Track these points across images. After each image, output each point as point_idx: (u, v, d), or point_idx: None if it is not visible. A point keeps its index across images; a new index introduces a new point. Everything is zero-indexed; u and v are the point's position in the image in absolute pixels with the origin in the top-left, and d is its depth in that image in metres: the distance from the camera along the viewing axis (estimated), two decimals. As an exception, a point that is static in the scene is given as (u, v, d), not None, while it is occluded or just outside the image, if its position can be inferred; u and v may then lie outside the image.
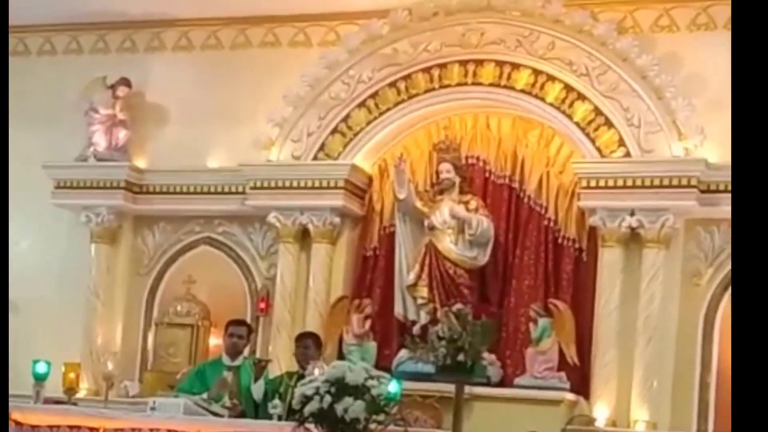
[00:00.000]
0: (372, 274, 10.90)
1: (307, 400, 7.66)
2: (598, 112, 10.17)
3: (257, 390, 9.14)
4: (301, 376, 8.66)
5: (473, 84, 10.58)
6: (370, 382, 7.69)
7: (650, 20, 10.46)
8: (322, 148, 10.93)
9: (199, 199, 11.37)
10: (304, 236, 10.94)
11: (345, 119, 10.90)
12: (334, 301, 10.73)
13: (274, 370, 9.86)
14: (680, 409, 9.91)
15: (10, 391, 8.47)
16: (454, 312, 9.85)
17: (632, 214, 9.97)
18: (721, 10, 10.07)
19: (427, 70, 10.70)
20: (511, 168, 10.64)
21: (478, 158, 10.76)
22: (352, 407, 7.55)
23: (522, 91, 10.41)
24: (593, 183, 10.07)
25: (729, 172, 8.73)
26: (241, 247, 11.40)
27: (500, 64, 10.48)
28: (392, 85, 10.80)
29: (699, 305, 10.04)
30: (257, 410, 9.07)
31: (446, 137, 10.79)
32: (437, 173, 10.67)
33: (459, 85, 10.63)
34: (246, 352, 9.90)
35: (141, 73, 11.82)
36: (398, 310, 10.59)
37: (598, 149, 10.14)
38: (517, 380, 10.12)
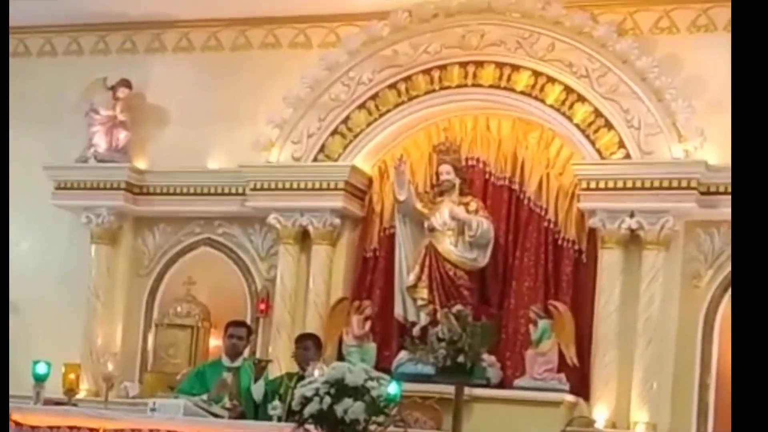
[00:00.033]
0: (372, 275, 10.90)
1: (306, 401, 7.66)
2: (598, 113, 10.18)
3: (257, 390, 9.14)
4: (301, 378, 8.66)
5: (473, 85, 10.59)
6: (369, 384, 7.69)
7: (650, 22, 10.47)
8: (322, 149, 10.93)
9: (200, 200, 11.38)
10: (304, 237, 10.95)
11: (345, 121, 10.91)
12: (334, 303, 10.74)
13: (274, 372, 9.86)
14: (680, 410, 9.92)
15: (10, 392, 8.46)
16: (453, 313, 9.86)
17: (632, 215, 9.98)
18: (721, 11, 10.08)
19: (427, 71, 10.71)
20: (511, 169, 10.65)
21: (478, 160, 10.76)
22: (352, 408, 7.56)
23: (522, 92, 10.42)
24: (593, 185, 10.07)
25: (729, 174, 8.74)
26: (241, 248, 11.41)
27: (500, 65, 10.49)
28: (392, 86, 10.81)
29: (699, 307, 10.04)
30: (257, 411, 9.07)
31: (446, 139, 10.80)
32: (437, 175, 10.67)
33: (459, 86, 10.64)
34: (246, 353, 9.90)
35: (141, 75, 11.83)
36: (398, 311, 10.60)
37: (598, 151, 10.14)
38: (517, 382, 10.12)
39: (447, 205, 10.50)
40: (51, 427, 8.47)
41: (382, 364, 10.20)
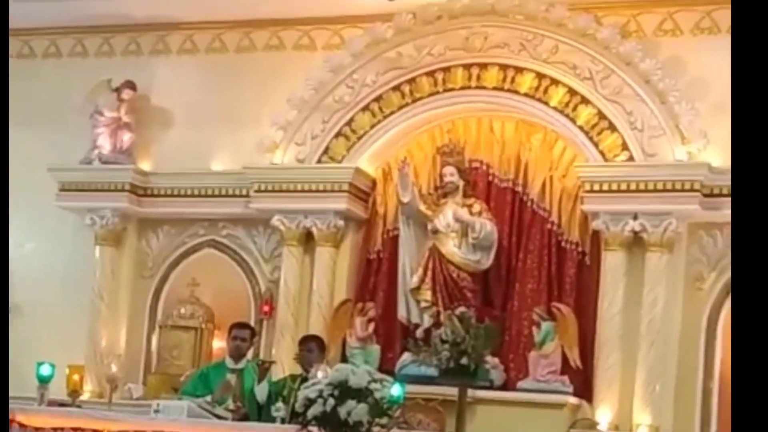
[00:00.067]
0: (375, 277, 10.91)
1: (310, 403, 7.69)
2: (601, 115, 10.18)
3: (261, 391, 9.15)
4: (305, 379, 8.68)
5: (477, 88, 10.60)
6: (373, 386, 7.73)
7: (654, 24, 10.47)
8: (326, 151, 10.94)
9: (204, 202, 11.38)
10: (307, 239, 10.95)
11: (349, 122, 10.92)
12: (338, 305, 10.74)
13: (277, 373, 9.87)
14: (683, 413, 9.91)
15: (14, 393, 8.48)
16: (457, 315, 9.88)
17: (635, 218, 9.98)
18: (725, 14, 10.06)
19: (431, 73, 10.71)
20: (515, 171, 10.65)
21: (481, 162, 10.77)
22: (356, 410, 7.58)
23: (525, 94, 10.42)
24: (596, 187, 10.07)
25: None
26: (245, 250, 11.42)
27: (504, 67, 10.49)
28: (396, 88, 10.81)
29: (702, 309, 10.04)
30: (260, 413, 9.08)
31: (450, 141, 10.80)
32: (441, 177, 10.68)
33: (463, 88, 10.64)
34: (249, 355, 9.92)
35: (146, 76, 11.84)
36: (401, 313, 10.60)
37: (602, 153, 10.15)
38: (520, 384, 10.13)
39: (450, 207, 10.51)
40: (55, 429, 8.49)
41: (386, 366, 10.20)
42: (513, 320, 10.42)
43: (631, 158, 10.05)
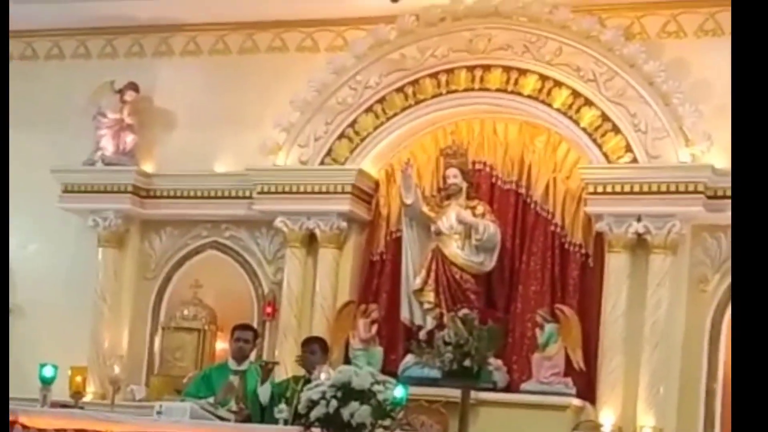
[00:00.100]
0: (378, 279, 10.91)
1: (313, 404, 7.67)
2: (605, 117, 10.18)
3: (264, 392, 9.14)
4: (308, 381, 8.67)
5: (480, 89, 10.60)
6: (376, 387, 7.71)
7: (657, 26, 10.47)
8: (329, 153, 10.94)
9: (206, 203, 11.38)
10: (310, 241, 10.95)
11: (352, 124, 10.92)
12: (341, 306, 10.73)
13: (280, 375, 9.86)
14: (686, 415, 9.91)
15: (17, 395, 8.47)
16: (460, 317, 9.86)
17: (639, 219, 9.98)
18: (728, 16, 10.02)
19: (434, 75, 10.71)
20: (518, 173, 10.65)
21: (484, 164, 10.77)
22: (359, 412, 7.57)
23: (529, 96, 10.42)
24: (600, 189, 10.07)
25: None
26: (247, 251, 11.42)
27: (507, 69, 10.49)
28: (399, 90, 10.81)
29: (706, 311, 10.04)
30: (263, 414, 9.07)
31: (453, 142, 10.80)
32: (444, 178, 10.68)
33: (466, 90, 10.64)
34: (252, 356, 9.91)
35: (149, 78, 11.85)
36: (405, 315, 10.60)
37: (605, 155, 10.14)
38: (524, 385, 10.12)
39: (454, 209, 10.50)
40: (57, 430, 8.46)
41: (389, 368, 10.19)
42: (516, 322, 10.42)
43: (634, 160, 10.04)
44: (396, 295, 10.69)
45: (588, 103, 10.23)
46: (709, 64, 10.15)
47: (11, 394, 8.11)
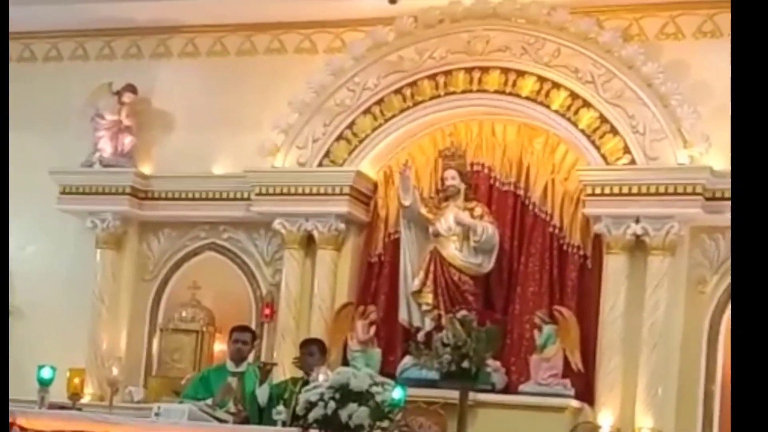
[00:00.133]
0: (377, 280, 10.91)
1: (311, 406, 7.68)
2: (603, 119, 10.18)
3: (262, 393, 9.13)
4: (306, 382, 8.67)
5: (478, 91, 10.60)
6: (374, 389, 7.71)
7: (656, 28, 10.48)
8: (327, 154, 10.94)
9: (205, 205, 11.38)
10: (309, 242, 10.95)
11: (350, 126, 10.92)
12: (339, 308, 10.73)
13: (278, 376, 9.86)
14: (685, 416, 9.91)
15: (15, 396, 8.47)
16: (458, 318, 9.88)
17: (637, 221, 9.98)
18: (727, 17, 10.02)
19: (432, 77, 10.71)
20: (516, 175, 10.65)
21: (483, 165, 10.77)
22: (357, 413, 7.57)
23: (527, 98, 10.42)
24: (598, 190, 10.07)
25: (735, 180, 8.73)
26: (246, 253, 11.42)
27: (505, 71, 10.49)
28: (398, 91, 10.81)
29: (704, 313, 10.04)
30: (261, 416, 9.07)
31: (451, 144, 10.81)
32: (442, 180, 10.68)
33: (464, 92, 10.64)
34: (250, 358, 9.91)
35: (147, 80, 11.85)
36: (403, 316, 10.60)
37: (604, 156, 10.15)
38: (522, 387, 10.11)
39: (452, 211, 10.50)
40: (55, 432, 8.48)
41: (387, 369, 10.19)
42: (514, 323, 10.42)
43: (632, 162, 10.05)
44: (394, 296, 10.69)
45: (586, 104, 10.24)
46: (708, 65, 10.16)
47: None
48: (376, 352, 10.57)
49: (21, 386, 9.02)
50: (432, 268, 10.43)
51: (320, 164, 10.94)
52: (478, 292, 10.41)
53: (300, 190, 10.89)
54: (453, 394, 9.73)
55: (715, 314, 10.00)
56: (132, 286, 11.72)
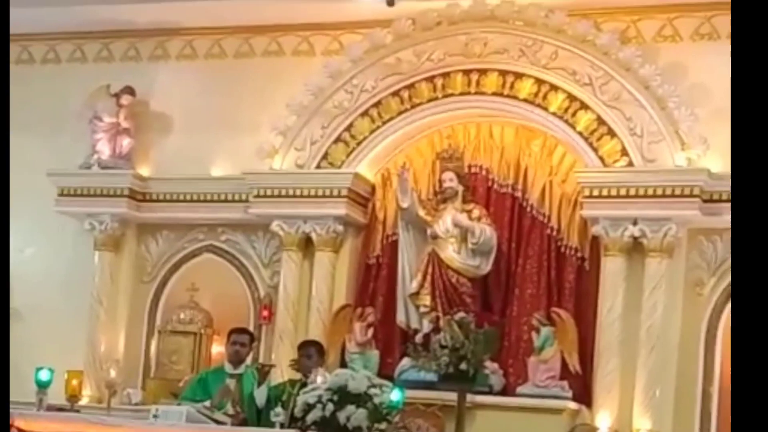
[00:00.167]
0: (375, 282, 10.91)
1: (309, 408, 7.69)
2: (600, 121, 10.19)
3: (260, 395, 9.13)
4: (304, 384, 8.68)
5: (476, 93, 10.60)
6: (372, 391, 7.73)
7: (653, 30, 10.49)
8: (325, 156, 10.95)
9: (203, 207, 11.39)
10: (307, 244, 10.95)
11: (348, 128, 10.92)
12: (337, 310, 10.74)
13: (276, 378, 9.87)
14: (682, 418, 9.92)
15: (13, 398, 8.48)
16: (456, 320, 9.89)
17: (635, 223, 9.99)
18: (725, 20, 10.07)
19: (430, 79, 10.72)
20: (514, 177, 10.66)
21: (481, 167, 10.78)
22: (355, 415, 7.59)
23: (525, 100, 10.43)
24: (596, 192, 10.08)
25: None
26: (244, 255, 11.43)
27: (503, 73, 10.50)
28: (395, 94, 10.82)
29: (701, 315, 10.05)
30: (259, 418, 9.07)
31: (449, 146, 10.81)
32: (440, 182, 10.69)
33: (462, 94, 10.64)
34: (249, 360, 9.91)
35: (145, 82, 11.85)
36: (401, 318, 10.60)
37: (601, 158, 10.15)
38: (520, 389, 10.12)
39: (450, 213, 10.51)
40: (53, 434, 8.49)
41: (385, 371, 10.19)
42: (512, 325, 10.43)
43: (630, 164, 10.05)
44: (392, 298, 10.70)
45: (584, 106, 10.24)
46: (705, 68, 10.17)
47: (7, 398, 8.13)
48: (374, 354, 10.58)
49: (19, 388, 9.04)
50: (430, 270, 10.44)
51: (318, 166, 10.95)
52: (476, 294, 10.42)
53: (298, 192, 10.89)
54: (451, 396, 9.73)
55: (712, 316, 10.01)
56: (130, 288, 11.72)
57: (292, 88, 11.11)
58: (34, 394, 8.91)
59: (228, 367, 9.58)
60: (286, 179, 10.96)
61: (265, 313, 11.14)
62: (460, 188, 10.59)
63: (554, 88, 10.32)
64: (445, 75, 10.67)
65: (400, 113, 10.82)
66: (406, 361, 10.35)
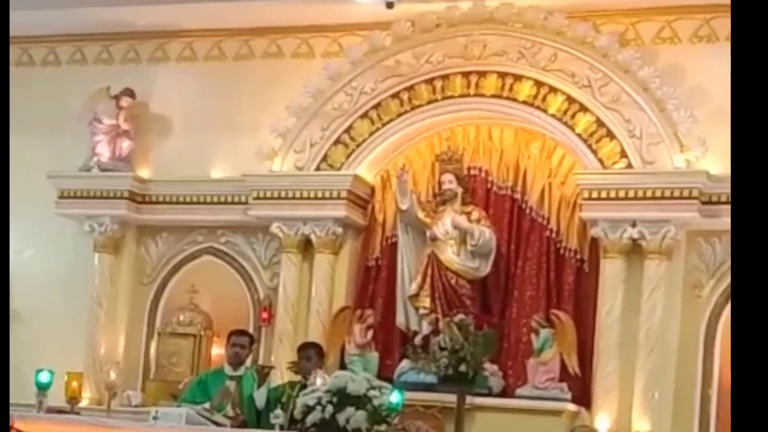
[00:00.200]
0: (374, 284, 10.92)
1: (309, 410, 7.70)
2: (600, 123, 10.20)
3: (260, 396, 9.14)
4: (304, 386, 8.69)
5: (475, 95, 10.62)
6: (372, 393, 7.74)
7: (652, 32, 10.50)
8: (324, 158, 10.96)
9: (202, 209, 11.40)
10: (306, 246, 10.96)
11: (348, 130, 10.93)
12: (337, 311, 10.74)
13: (276, 380, 9.87)
14: (681, 420, 9.92)
15: (13, 400, 8.47)
16: (456, 322, 9.90)
17: (634, 225, 9.99)
18: (723, 22, 10.09)
19: (429, 81, 10.73)
20: (513, 179, 10.67)
21: (480, 169, 10.79)
22: (354, 417, 7.60)
23: (524, 102, 10.44)
24: (595, 194, 10.09)
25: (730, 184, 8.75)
26: (243, 257, 11.43)
27: (502, 75, 10.51)
28: (395, 96, 10.83)
29: (700, 317, 10.06)
30: (259, 419, 9.08)
31: (449, 148, 10.82)
32: (439, 184, 10.69)
33: (461, 96, 10.66)
34: (248, 362, 9.92)
35: (145, 84, 11.86)
36: (400, 320, 10.61)
37: (600, 161, 10.16)
38: (519, 391, 10.12)
39: (449, 215, 10.52)
40: (53, 436, 8.49)
41: (384, 373, 10.20)
42: (511, 327, 10.43)
43: (629, 166, 10.06)
44: (392, 300, 10.71)
45: (583, 108, 10.25)
46: (704, 70, 10.18)
47: (7, 400, 8.13)
48: (374, 356, 10.58)
49: (19, 390, 9.03)
50: (429, 271, 10.45)
51: (318, 168, 10.96)
52: (476, 296, 10.42)
53: (297, 194, 10.90)
54: (450, 398, 9.74)
55: (711, 318, 10.02)
56: (130, 289, 11.73)
57: (291, 90, 11.13)
58: (34, 396, 8.91)
59: (228, 369, 9.59)
60: (285, 181, 10.97)
61: (265, 315, 11.15)
62: (460, 190, 10.60)
63: (553, 90, 10.34)
64: (445, 77, 10.69)
65: (399, 115, 10.83)
66: (405, 363, 10.36)
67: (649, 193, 9.93)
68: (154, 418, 8.61)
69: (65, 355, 10.88)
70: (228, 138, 11.45)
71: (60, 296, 11.76)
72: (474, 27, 10.63)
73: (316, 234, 10.85)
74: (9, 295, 10.66)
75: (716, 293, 10.04)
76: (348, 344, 10.59)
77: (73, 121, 11.81)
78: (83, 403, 10.40)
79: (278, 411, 8.53)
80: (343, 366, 10.30)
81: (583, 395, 10.04)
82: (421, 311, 10.44)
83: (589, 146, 10.21)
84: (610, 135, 10.15)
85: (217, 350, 11.24)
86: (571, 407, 9.94)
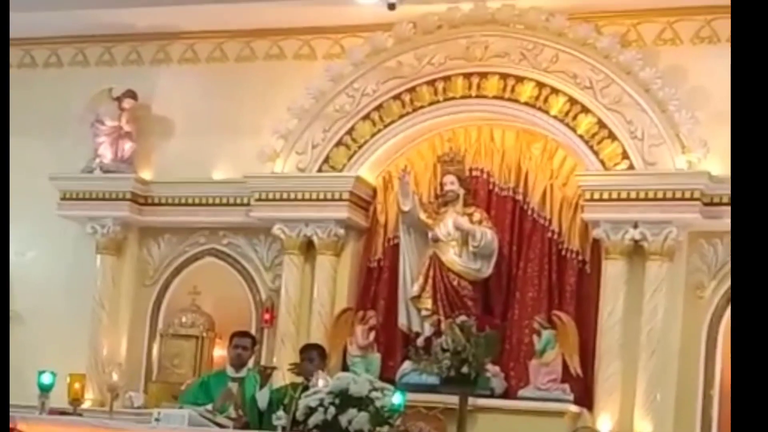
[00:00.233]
0: (376, 285, 10.92)
1: (311, 411, 7.71)
2: (601, 124, 10.20)
3: (262, 397, 9.14)
4: (306, 388, 8.69)
5: (477, 96, 10.62)
6: (374, 394, 7.75)
7: (654, 33, 10.50)
8: (326, 160, 10.96)
9: (204, 210, 11.41)
10: (308, 248, 10.97)
11: (350, 131, 10.94)
12: (339, 313, 10.75)
13: (278, 381, 9.87)
14: (683, 421, 9.92)
15: (15, 402, 8.48)
16: (458, 324, 9.90)
17: (635, 226, 9.99)
18: (725, 23, 10.08)
19: (431, 82, 10.74)
20: (515, 180, 10.67)
21: (482, 170, 10.79)
22: (357, 419, 7.60)
23: (526, 103, 10.44)
24: (597, 195, 10.09)
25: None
26: (245, 258, 11.44)
27: (504, 76, 10.51)
28: (397, 97, 10.84)
29: (702, 318, 10.06)
30: (261, 421, 9.09)
31: (450, 149, 10.82)
32: (441, 185, 10.70)
33: (463, 97, 10.66)
34: (250, 363, 9.92)
35: (147, 86, 11.87)
36: (402, 321, 10.62)
37: (602, 162, 10.17)
38: (521, 392, 10.13)
39: (451, 216, 10.52)
40: (56, 437, 8.50)
41: (387, 375, 10.21)
42: (513, 328, 10.43)
43: (631, 167, 10.07)
44: (394, 301, 10.71)
45: (585, 110, 10.26)
46: (706, 71, 10.18)
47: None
48: (376, 358, 10.59)
49: (21, 392, 9.03)
50: (431, 273, 10.45)
51: (320, 170, 10.96)
52: (477, 298, 10.43)
53: (299, 196, 10.91)
54: (452, 399, 9.75)
55: (713, 319, 10.02)
56: (132, 291, 11.74)
57: (293, 91, 11.13)
58: (36, 398, 8.91)
59: (230, 371, 9.59)
60: (287, 182, 10.97)
61: (267, 316, 11.16)
62: (461, 191, 10.60)
63: (555, 91, 10.34)
64: (446, 78, 10.69)
65: (401, 116, 10.84)
66: (407, 365, 10.37)
67: (650, 195, 9.94)
68: (157, 419, 8.62)
69: (67, 356, 10.88)
70: (230, 139, 11.46)
71: (62, 298, 11.76)
72: (476, 28, 10.63)
73: (318, 235, 10.85)
74: (9, 296, 10.65)
75: (718, 294, 10.03)
76: (350, 346, 10.60)
77: (75, 123, 11.81)
78: (86, 404, 10.39)
79: (280, 412, 8.53)
80: (345, 367, 10.31)
81: (585, 396, 10.05)
82: (423, 312, 10.45)
83: (591, 147, 10.21)
84: (612, 136, 10.15)
85: (220, 352, 11.24)
86: (573, 408, 9.95)
